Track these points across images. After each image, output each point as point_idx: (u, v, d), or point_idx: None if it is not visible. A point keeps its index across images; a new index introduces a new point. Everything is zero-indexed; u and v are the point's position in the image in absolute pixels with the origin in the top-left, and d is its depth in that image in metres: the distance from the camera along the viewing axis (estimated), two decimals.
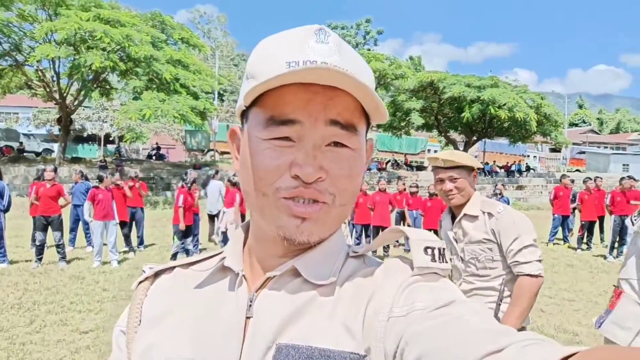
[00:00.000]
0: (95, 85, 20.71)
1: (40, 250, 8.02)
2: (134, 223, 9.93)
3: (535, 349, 0.41)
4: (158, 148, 29.62)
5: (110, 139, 31.04)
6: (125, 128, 25.69)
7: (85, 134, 30.26)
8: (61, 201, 8.26)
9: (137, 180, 10.42)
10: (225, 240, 9.12)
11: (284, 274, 0.62)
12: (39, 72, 20.24)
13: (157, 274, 0.73)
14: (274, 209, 0.59)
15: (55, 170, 8.46)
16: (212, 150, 29.94)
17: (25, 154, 25.30)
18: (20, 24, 18.60)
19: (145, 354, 0.63)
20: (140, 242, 10.16)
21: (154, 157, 28.14)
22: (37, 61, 17.93)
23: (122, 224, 9.22)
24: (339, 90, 0.56)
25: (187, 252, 8.73)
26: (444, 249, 0.61)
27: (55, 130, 27.01)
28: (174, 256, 8.41)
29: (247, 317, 0.60)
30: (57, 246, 8.11)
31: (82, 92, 20.54)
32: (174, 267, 0.73)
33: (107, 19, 18.26)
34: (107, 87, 22.35)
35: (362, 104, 0.59)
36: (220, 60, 44.30)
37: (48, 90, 20.50)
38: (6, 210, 7.98)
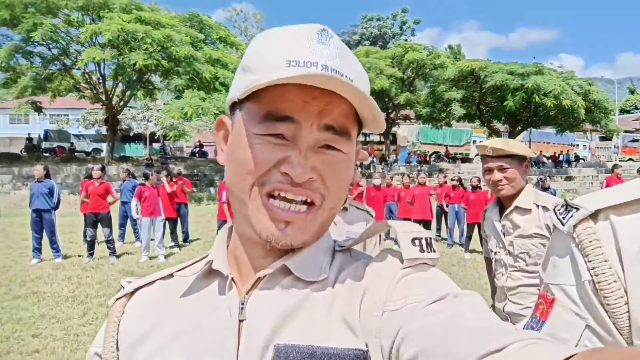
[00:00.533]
0: (139, 86, 21.38)
1: (91, 245, 8.36)
2: (178, 219, 10.19)
3: (537, 349, 0.41)
4: (201, 146, 30.31)
5: (155, 137, 32.00)
6: (168, 127, 26.43)
7: (131, 134, 31.36)
8: (109, 198, 8.57)
9: (181, 177, 10.67)
10: None
11: (274, 273, 0.61)
12: (86, 75, 21.10)
13: (134, 293, 0.70)
14: (255, 209, 0.59)
15: (102, 169, 8.80)
16: None
17: (76, 154, 26.51)
18: (67, 29, 19.42)
19: None
20: (185, 238, 10.42)
21: (197, 155, 28.82)
22: (85, 64, 18.69)
23: (169, 220, 9.49)
24: (336, 96, 0.56)
25: None
26: (431, 238, 0.61)
27: (103, 130, 28.11)
28: None
29: (241, 320, 0.59)
30: (107, 242, 8.43)
31: (127, 93, 21.28)
32: (154, 281, 0.70)
33: (147, 20, 18.81)
34: (151, 87, 23.05)
35: (358, 111, 0.59)
36: None
37: (95, 92, 21.35)
38: (56, 207, 8.33)
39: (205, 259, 0.67)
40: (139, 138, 31.71)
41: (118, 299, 0.69)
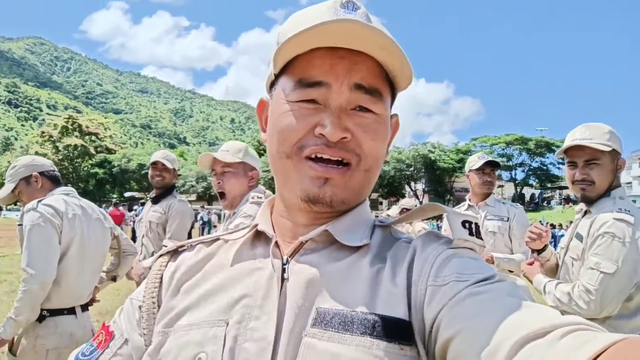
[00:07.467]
0: None
1: None
2: None
3: (580, 335, 0.39)
4: None
5: None
6: None
7: None
8: None
9: None
10: None
11: (316, 239, 0.64)
12: None
13: (177, 251, 0.74)
14: (296, 172, 0.61)
15: None
16: None
17: None
18: None
19: (179, 316, 0.63)
20: None
21: None
22: None
23: None
24: (363, 56, 0.58)
25: None
26: (478, 225, 0.63)
27: None
28: None
29: (283, 280, 0.60)
30: None
31: None
32: (194, 245, 0.74)
33: None
34: None
35: (387, 68, 0.61)
36: None
37: None
38: None
39: (251, 225, 0.71)
40: None
41: (160, 256, 0.74)
